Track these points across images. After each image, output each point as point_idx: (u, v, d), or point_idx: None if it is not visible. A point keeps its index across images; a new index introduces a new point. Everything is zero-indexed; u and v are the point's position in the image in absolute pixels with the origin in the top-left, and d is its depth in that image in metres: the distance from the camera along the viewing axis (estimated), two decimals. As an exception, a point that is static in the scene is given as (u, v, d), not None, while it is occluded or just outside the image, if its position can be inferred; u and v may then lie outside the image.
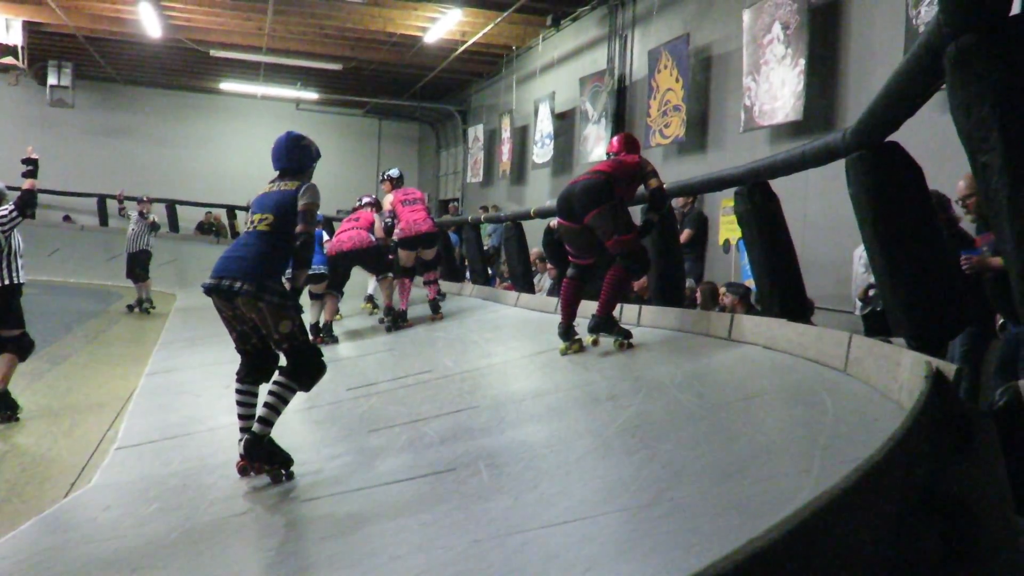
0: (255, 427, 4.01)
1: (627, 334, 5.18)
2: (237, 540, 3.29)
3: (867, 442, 2.24)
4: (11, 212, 6.35)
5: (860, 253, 5.87)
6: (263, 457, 3.94)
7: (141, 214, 13.55)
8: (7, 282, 6.22)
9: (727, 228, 8.91)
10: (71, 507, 4.17)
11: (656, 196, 5.37)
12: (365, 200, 9.26)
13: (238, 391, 4.27)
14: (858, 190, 3.39)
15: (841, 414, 2.77)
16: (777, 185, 4.73)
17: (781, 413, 3.30)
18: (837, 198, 5.84)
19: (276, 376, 4.16)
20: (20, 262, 6.35)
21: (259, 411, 4.09)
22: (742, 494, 2.31)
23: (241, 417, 4.22)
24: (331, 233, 9.80)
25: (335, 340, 8.30)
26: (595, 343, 5.37)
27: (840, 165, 3.62)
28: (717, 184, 5.58)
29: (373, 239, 8.66)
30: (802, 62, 7.78)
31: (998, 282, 4.31)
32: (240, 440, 4.10)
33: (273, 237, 4.23)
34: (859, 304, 5.98)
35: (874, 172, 3.30)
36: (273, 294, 4.05)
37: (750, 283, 6.34)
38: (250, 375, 4.27)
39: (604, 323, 5.19)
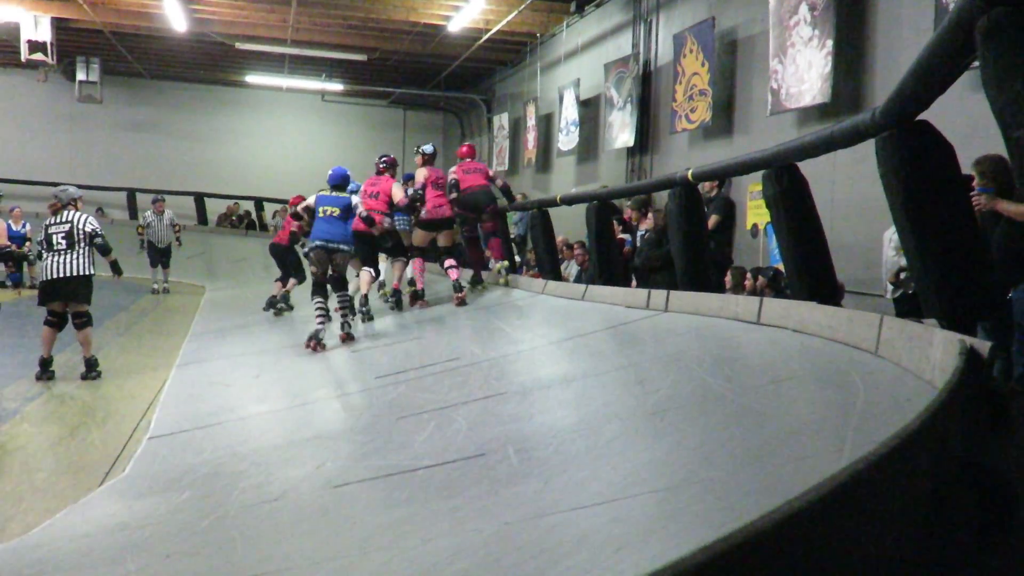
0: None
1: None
2: (269, 526, 3.32)
3: (899, 422, 2.21)
4: (99, 228, 8.01)
5: (890, 236, 5.81)
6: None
7: (157, 213, 14.70)
8: (88, 272, 7.74)
9: (755, 212, 8.85)
10: (106, 495, 4.22)
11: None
12: (384, 161, 9.19)
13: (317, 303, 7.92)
14: (888, 170, 3.35)
15: (872, 395, 2.75)
16: (805, 168, 4.68)
17: (811, 395, 3.27)
18: (866, 180, 5.79)
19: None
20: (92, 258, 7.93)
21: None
22: (773, 475, 2.30)
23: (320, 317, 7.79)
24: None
25: (369, 316, 8.76)
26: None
27: (868, 146, 3.59)
28: (744, 168, 5.54)
29: (388, 223, 8.85)
30: (829, 43, 7.70)
31: (1010, 238, 4.29)
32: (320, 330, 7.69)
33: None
34: (890, 287, 5.92)
35: (904, 151, 3.27)
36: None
37: (779, 267, 6.30)
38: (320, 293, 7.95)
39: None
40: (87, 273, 7.72)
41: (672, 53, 10.75)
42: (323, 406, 5.53)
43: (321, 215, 8.23)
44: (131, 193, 19.37)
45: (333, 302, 8.02)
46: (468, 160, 9.26)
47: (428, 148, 9.29)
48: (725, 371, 3.83)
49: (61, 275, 7.58)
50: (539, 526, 2.45)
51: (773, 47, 8.55)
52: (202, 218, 20.14)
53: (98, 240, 7.84)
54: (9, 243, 15.26)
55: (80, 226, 7.75)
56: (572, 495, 2.67)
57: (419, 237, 9.19)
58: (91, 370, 7.48)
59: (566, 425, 3.67)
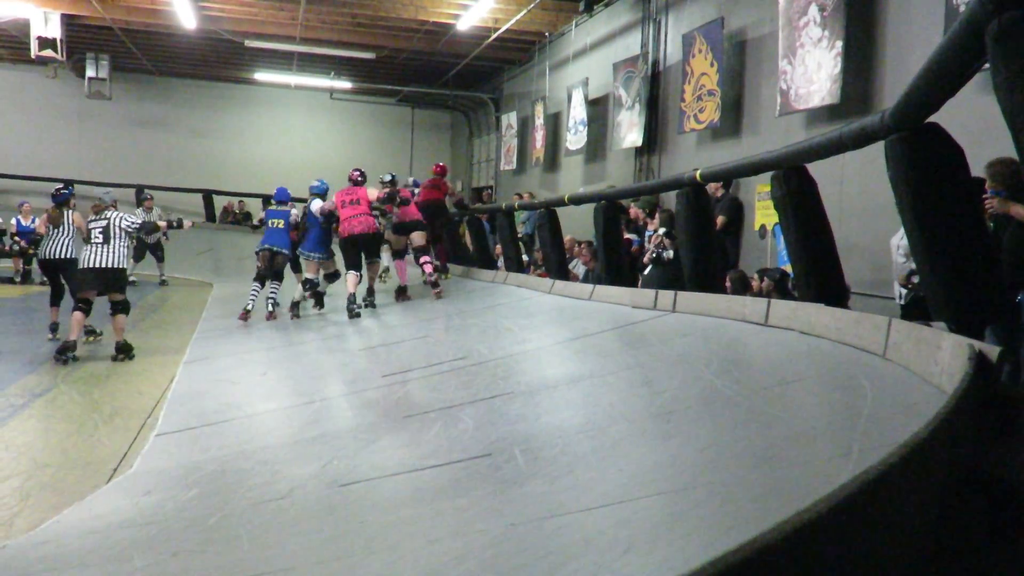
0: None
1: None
2: (275, 524, 3.32)
3: (907, 426, 2.21)
4: (135, 223, 8.96)
5: (897, 242, 5.79)
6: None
7: (146, 210, 15.13)
8: (123, 265, 8.64)
9: (763, 213, 8.83)
10: (113, 492, 4.23)
11: None
12: (360, 173, 10.47)
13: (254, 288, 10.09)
14: (897, 173, 3.34)
15: (880, 398, 2.74)
16: (814, 169, 4.68)
17: (819, 398, 3.27)
18: (874, 182, 5.78)
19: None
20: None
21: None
22: (780, 478, 2.30)
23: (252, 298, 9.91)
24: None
25: (359, 310, 9.63)
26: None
27: (877, 148, 3.58)
28: (753, 169, 5.53)
29: (378, 225, 10.21)
30: (839, 44, 7.69)
31: (1020, 241, 4.27)
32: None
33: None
34: (903, 292, 5.90)
35: (914, 154, 3.26)
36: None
37: (787, 268, 6.29)
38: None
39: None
40: (122, 266, 8.60)
41: (681, 53, 10.74)
42: (330, 404, 5.54)
43: (270, 225, 10.60)
44: (140, 189, 19.39)
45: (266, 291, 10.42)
46: (435, 176, 11.95)
47: (387, 177, 10.83)
48: (732, 373, 3.83)
49: (98, 265, 8.40)
50: (546, 527, 2.45)
51: (782, 47, 8.53)
52: (210, 215, 20.16)
53: (139, 233, 9.30)
54: (17, 238, 15.33)
55: (116, 223, 8.63)
56: (579, 496, 2.67)
57: (395, 240, 10.92)
58: (122, 353, 8.21)
59: (573, 425, 3.67)
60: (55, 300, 9.41)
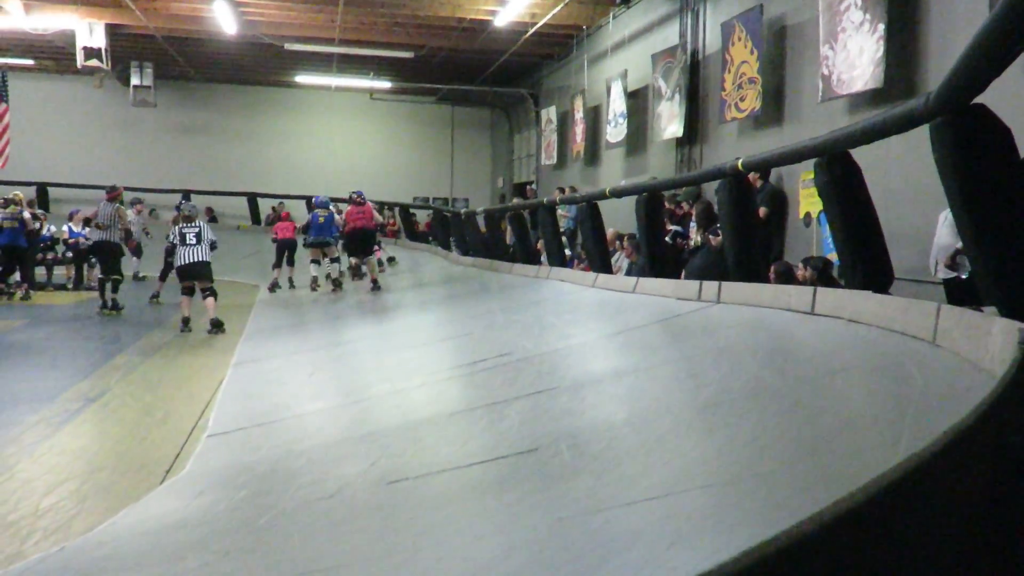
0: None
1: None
2: (325, 522, 3.35)
3: (957, 414, 2.17)
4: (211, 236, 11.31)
5: (945, 215, 5.69)
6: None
7: (137, 214, 16.09)
8: (209, 259, 10.98)
9: (807, 201, 8.73)
10: (167, 493, 4.30)
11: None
12: (355, 195, 13.82)
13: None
14: (943, 156, 3.28)
15: (930, 386, 2.70)
16: (858, 155, 4.60)
17: (867, 386, 3.22)
18: (919, 166, 5.68)
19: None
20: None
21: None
22: (828, 468, 2.27)
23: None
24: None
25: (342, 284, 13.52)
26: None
27: (923, 132, 3.52)
28: (796, 156, 5.46)
29: (375, 224, 14.00)
30: (881, 27, 7.57)
31: None
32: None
33: None
34: (942, 269, 5.80)
35: (960, 137, 3.20)
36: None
37: (832, 256, 6.21)
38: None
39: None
40: (209, 260, 11.01)
41: (720, 42, 10.66)
42: (376, 403, 5.57)
43: (319, 221, 13.77)
44: (185, 195, 19.68)
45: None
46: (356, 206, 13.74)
47: (355, 194, 13.89)
48: (779, 363, 3.79)
49: (194, 260, 10.83)
50: (592, 522, 2.44)
51: (823, 33, 8.42)
52: (255, 218, 20.39)
53: (215, 241, 11.30)
54: (74, 240, 15.61)
55: (205, 231, 11.10)
56: (625, 490, 2.66)
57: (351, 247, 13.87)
58: (216, 327, 10.28)
59: (618, 420, 3.66)
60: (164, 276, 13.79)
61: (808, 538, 0.70)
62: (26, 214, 14.14)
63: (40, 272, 15.38)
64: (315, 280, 13.89)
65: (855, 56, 7.94)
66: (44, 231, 15.39)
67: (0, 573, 3.38)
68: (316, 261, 14.00)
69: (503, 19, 14.56)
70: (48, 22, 15.52)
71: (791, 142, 6.98)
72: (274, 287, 14.36)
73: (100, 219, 11.94)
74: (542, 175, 19.31)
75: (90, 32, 15.54)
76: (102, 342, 9.72)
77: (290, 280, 14.77)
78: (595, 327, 6.34)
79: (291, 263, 14.97)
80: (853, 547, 0.75)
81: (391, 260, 16.06)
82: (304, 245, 14.17)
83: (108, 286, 11.98)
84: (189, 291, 10.81)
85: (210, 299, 10.63)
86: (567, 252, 11.20)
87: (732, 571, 0.71)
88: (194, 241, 10.86)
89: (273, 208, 20.63)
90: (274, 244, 14.90)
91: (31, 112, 20.34)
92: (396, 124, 22.72)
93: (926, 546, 0.89)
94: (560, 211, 12.43)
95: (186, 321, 10.50)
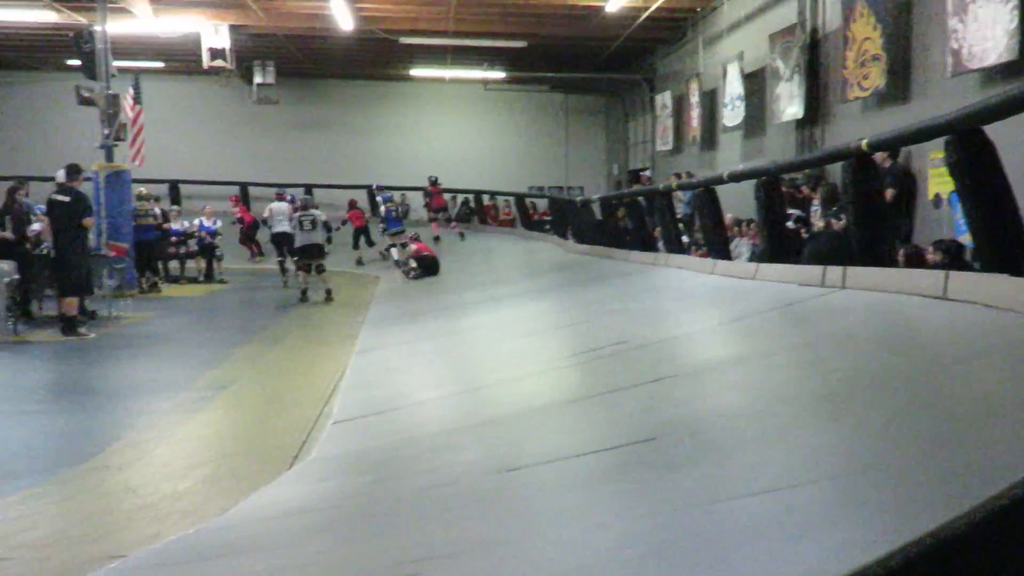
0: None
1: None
2: (445, 510, 3.39)
3: (1107, 403, 2.04)
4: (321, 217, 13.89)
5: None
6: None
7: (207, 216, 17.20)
8: (323, 242, 13.70)
9: (937, 181, 8.36)
10: (293, 479, 4.43)
11: None
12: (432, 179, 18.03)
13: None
14: (1088, 129, 3.09)
15: (1075, 374, 2.54)
16: (992, 131, 4.37)
17: (1003, 375, 3.05)
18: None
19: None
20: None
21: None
22: (961, 461, 2.16)
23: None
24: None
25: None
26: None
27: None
28: (924, 134, 5.22)
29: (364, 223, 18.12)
30: (1015, -5, 7.17)
31: None
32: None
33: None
34: None
35: (1107, 108, 3.00)
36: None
37: (965, 239, 5.93)
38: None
39: None
40: (322, 243, 13.68)
41: (840, 18, 10.32)
42: (494, 391, 5.61)
43: (392, 215, 16.81)
44: (308, 189, 20.23)
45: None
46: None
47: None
48: (909, 350, 3.64)
49: (311, 242, 13.34)
50: (712, 513, 2.40)
51: (952, 4, 8.03)
52: (374, 210, 20.80)
53: (331, 225, 14.26)
54: (203, 236, 16.28)
55: (319, 217, 13.61)
56: (746, 481, 2.60)
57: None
58: (330, 298, 12.98)
59: (739, 408, 3.58)
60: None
61: (951, 540, 0.66)
62: (156, 210, 14.82)
63: (173, 265, 16.07)
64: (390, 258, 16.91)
65: (987, 27, 7.54)
66: (175, 226, 16.05)
67: (141, 552, 3.55)
68: (394, 245, 16.46)
69: (615, 4, 14.42)
70: (175, 25, 16.17)
71: (919, 120, 6.69)
72: (359, 262, 17.97)
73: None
74: (657, 161, 19.08)
75: (215, 33, 16.12)
76: (230, 332, 10.09)
77: (359, 259, 18.07)
78: (714, 314, 6.22)
79: (370, 243, 18.24)
80: (1000, 551, 0.70)
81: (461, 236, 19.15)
82: (387, 234, 16.62)
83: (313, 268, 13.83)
84: (306, 268, 13.36)
85: (324, 274, 13.37)
86: (684, 239, 11.02)
87: (875, 574, 0.68)
88: (310, 227, 13.35)
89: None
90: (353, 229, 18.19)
91: (162, 113, 21.17)
92: (510, 114, 22.82)
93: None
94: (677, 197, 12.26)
95: (303, 292, 13.16)
